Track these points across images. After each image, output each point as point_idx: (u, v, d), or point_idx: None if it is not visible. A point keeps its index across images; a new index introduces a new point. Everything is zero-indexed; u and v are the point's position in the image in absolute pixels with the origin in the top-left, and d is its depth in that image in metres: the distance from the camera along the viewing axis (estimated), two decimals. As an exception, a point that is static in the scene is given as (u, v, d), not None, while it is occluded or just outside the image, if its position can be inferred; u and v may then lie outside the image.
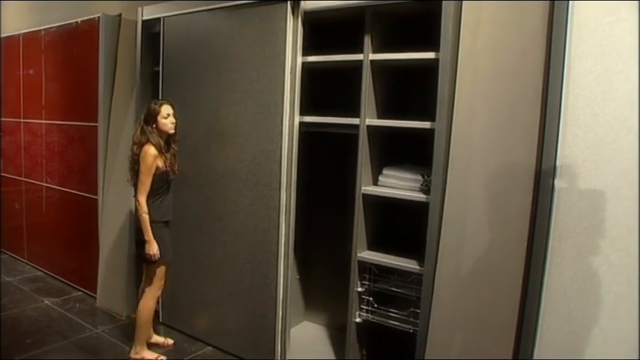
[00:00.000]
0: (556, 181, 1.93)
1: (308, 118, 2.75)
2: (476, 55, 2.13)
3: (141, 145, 2.72)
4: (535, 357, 1.98)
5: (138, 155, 2.72)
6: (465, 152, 2.16)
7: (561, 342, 1.94)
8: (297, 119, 2.70)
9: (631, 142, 1.79)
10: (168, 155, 2.81)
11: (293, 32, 2.63)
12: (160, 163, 2.73)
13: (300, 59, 2.66)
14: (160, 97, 3.13)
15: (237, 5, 2.80)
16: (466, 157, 2.16)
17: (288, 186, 2.73)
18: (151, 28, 3.41)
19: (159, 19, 3.22)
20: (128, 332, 3.29)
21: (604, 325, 1.85)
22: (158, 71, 3.47)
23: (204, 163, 3.06)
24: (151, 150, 2.70)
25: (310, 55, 2.70)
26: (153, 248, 2.74)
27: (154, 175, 2.72)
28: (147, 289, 2.89)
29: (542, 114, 1.95)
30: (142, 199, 2.71)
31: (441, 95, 2.19)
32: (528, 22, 2.00)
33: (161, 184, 2.77)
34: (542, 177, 1.95)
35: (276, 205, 2.74)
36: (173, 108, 2.81)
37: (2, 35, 4.70)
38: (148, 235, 2.73)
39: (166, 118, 2.76)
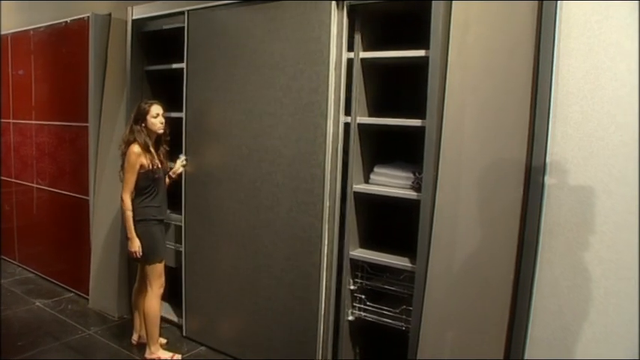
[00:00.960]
0: (546, 178, 1.95)
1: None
2: (466, 52, 2.14)
3: (128, 144, 2.77)
4: (526, 352, 2.00)
5: (125, 154, 2.77)
6: (456, 150, 2.17)
7: (552, 337, 1.96)
8: (342, 120, 2.54)
9: (619, 138, 1.81)
10: (156, 154, 2.84)
11: (338, 26, 2.46)
12: (145, 161, 2.76)
13: (345, 55, 2.51)
14: (185, 97, 3.06)
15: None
16: (457, 154, 2.17)
17: (333, 192, 2.55)
18: (141, 28, 3.40)
19: (182, 12, 3.04)
20: (120, 333, 3.29)
21: (594, 319, 1.87)
22: (149, 71, 3.47)
23: (236, 167, 2.87)
24: (134, 148, 2.74)
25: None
26: (134, 245, 2.77)
27: (139, 173, 2.75)
28: (148, 290, 2.89)
29: (532, 111, 1.96)
30: (125, 197, 2.76)
31: (432, 93, 2.19)
32: (517, 20, 2.01)
33: (147, 182, 2.78)
34: (533, 173, 1.97)
35: (319, 213, 2.54)
36: (163, 108, 2.86)
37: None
38: (130, 232, 2.77)
39: (155, 117, 2.81)
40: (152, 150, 2.82)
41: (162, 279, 2.92)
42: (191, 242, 3.15)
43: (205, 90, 2.98)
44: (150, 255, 2.82)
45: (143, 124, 2.79)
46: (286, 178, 2.65)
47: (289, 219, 2.66)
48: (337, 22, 2.45)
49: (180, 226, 3.22)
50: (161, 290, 2.93)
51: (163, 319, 3.36)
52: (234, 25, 2.81)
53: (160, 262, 2.88)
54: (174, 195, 3.21)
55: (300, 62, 2.55)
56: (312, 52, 2.51)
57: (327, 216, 2.54)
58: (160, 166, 2.84)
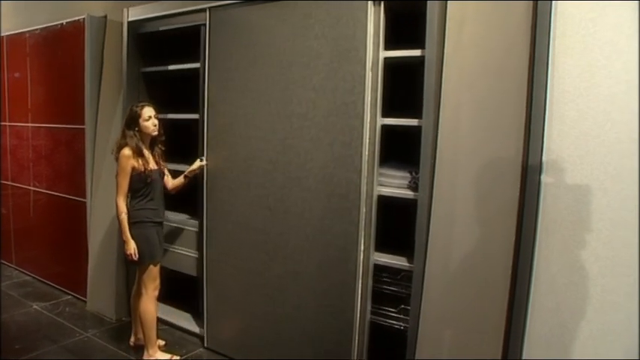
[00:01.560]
0: (542, 176, 1.95)
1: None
2: (461, 52, 2.14)
3: (120, 148, 2.76)
4: (524, 350, 2.00)
5: (117, 158, 2.77)
6: (452, 149, 2.18)
7: (550, 335, 1.96)
8: (379, 121, 2.42)
9: (615, 135, 1.81)
10: (151, 156, 2.84)
11: (375, 24, 2.34)
12: (137, 164, 2.75)
13: (382, 54, 2.39)
14: (205, 98, 2.97)
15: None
16: (453, 153, 2.17)
17: (369, 197, 2.43)
18: (137, 29, 3.40)
19: (204, 9, 2.93)
20: (119, 335, 3.28)
21: (591, 317, 1.88)
22: (145, 72, 3.47)
23: (263, 171, 2.75)
24: (125, 151, 2.74)
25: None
26: (129, 248, 2.77)
27: (132, 176, 2.75)
28: (143, 293, 2.89)
29: (528, 109, 1.97)
30: (119, 200, 2.77)
31: (428, 92, 2.20)
32: (513, 19, 2.02)
33: (141, 185, 2.78)
34: (529, 172, 1.97)
35: (355, 219, 2.42)
36: (155, 110, 2.84)
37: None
38: (125, 234, 2.77)
39: (148, 120, 2.80)
40: (145, 152, 2.82)
41: (158, 281, 2.92)
42: (213, 250, 3.05)
43: (227, 90, 2.87)
44: (144, 257, 2.81)
45: (136, 128, 2.78)
46: (319, 183, 2.53)
47: (322, 226, 2.54)
48: (374, 19, 2.34)
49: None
50: (156, 293, 2.92)
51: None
52: (258, 23, 2.71)
53: (155, 265, 2.88)
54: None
55: (333, 61, 2.44)
56: (346, 50, 2.39)
57: (363, 222, 2.42)
58: (153, 168, 2.83)
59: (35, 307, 3.77)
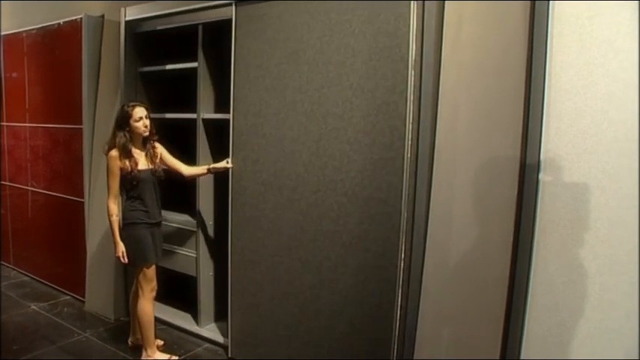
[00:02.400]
0: (540, 175, 1.95)
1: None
2: (459, 51, 2.14)
3: (109, 149, 2.75)
4: (523, 349, 2.00)
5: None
6: (450, 148, 2.18)
7: (548, 333, 1.96)
8: (423, 123, 2.26)
9: (612, 134, 1.81)
10: (141, 156, 2.81)
11: (418, 19, 2.20)
12: (124, 165, 2.72)
13: (426, 51, 2.23)
14: (232, 98, 2.84)
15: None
16: (451, 152, 2.17)
17: (411, 201, 2.27)
18: (134, 29, 3.39)
19: (229, 3, 2.80)
20: (117, 335, 3.28)
21: (589, 315, 1.88)
22: (143, 72, 3.47)
23: (295, 174, 2.62)
24: (112, 152, 2.72)
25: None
26: (117, 250, 2.77)
27: (121, 176, 2.74)
28: (140, 294, 2.88)
29: (526, 108, 1.97)
30: (109, 202, 2.76)
31: (425, 91, 2.19)
32: (510, 18, 2.02)
33: (131, 185, 2.77)
34: (527, 170, 1.97)
35: (396, 224, 2.28)
36: (147, 110, 2.81)
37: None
38: (114, 237, 2.77)
39: (138, 121, 2.76)
40: (135, 152, 2.78)
41: (154, 283, 2.90)
42: (239, 256, 2.93)
43: (256, 89, 2.75)
44: (137, 259, 2.80)
45: (127, 128, 2.75)
46: (357, 187, 2.40)
47: (360, 231, 2.41)
48: (417, 13, 2.19)
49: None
50: (153, 294, 2.91)
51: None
52: (289, 18, 2.58)
53: (149, 266, 2.86)
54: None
55: (372, 59, 2.31)
56: (387, 47, 2.26)
57: (404, 228, 2.27)
58: (144, 168, 2.79)
59: (33, 307, 3.76)
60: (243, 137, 2.84)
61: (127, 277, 3.55)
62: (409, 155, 2.25)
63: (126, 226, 2.79)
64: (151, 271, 2.88)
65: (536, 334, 1.99)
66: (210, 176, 3.18)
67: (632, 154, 1.78)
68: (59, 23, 3.77)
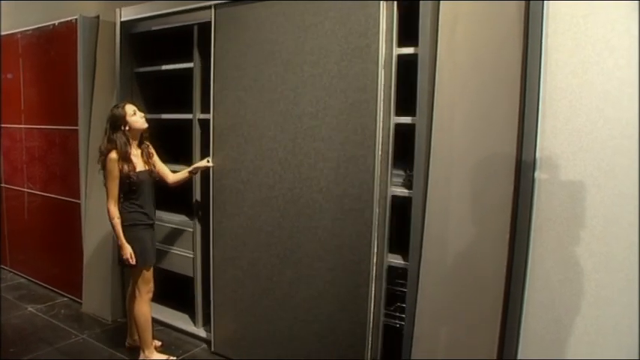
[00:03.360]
0: (536, 173, 1.96)
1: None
2: (454, 49, 2.15)
3: (107, 153, 2.71)
4: (520, 346, 2.01)
5: (104, 164, 2.72)
6: (446, 146, 2.18)
7: (545, 331, 1.97)
8: (393, 120, 2.36)
9: (608, 132, 1.82)
10: (139, 156, 2.80)
11: (387, 19, 2.27)
12: (124, 166, 2.70)
13: (396, 51, 2.32)
14: (212, 98, 2.90)
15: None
16: (447, 151, 2.18)
17: (383, 197, 2.37)
18: (129, 29, 3.39)
19: (209, 6, 2.87)
20: (114, 336, 3.28)
21: (585, 312, 1.89)
22: (139, 72, 3.46)
23: (271, 172, 2.69)
24: (112, 155, 2.69)
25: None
26: (125, 252, 2.74)
27: (121, 179, 2.71)
28: (137, 296, 2.88)
29: (521, 107, 1.97)
30: (110, 206, 2.73)
31: (421, 90, 2.20)
32: (505, 16, 2.02)
33: (130, 187, 2.75)
34: (523, 168, 1.98)
35: (369, 220, 2.36)
36: (135, 105, 2.81)
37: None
38: (120, 239, 2.74)
39: (134, 115, 2.76)
40: (134, 153, 2.77)
41: (151, 284, 2.90)
42: (220, 252, 2.99)
43: (235, 90, 2.81)
44: (140, 261, 2.79)
45: (125, 127, 2.73)
46: (331, 184, 2.47)
47: (334, 227, 2.48)
48: (387, 14, 2.26)
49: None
50: (150, 295, 2.91)
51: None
52: (265, 21, 2.64)
53: (148, 268, 2.86)
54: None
55: (344, 59, 2.38)
56: (358, 47, 2.33)
57: (376, 223, 2.36)
58: (142, 169, 2.79)
59: (30, 309, 3.75)
60: (223, 137, 2.90)
61: (124, 278, 3.54)
62: (380, 152, 2.32)
63: (127, 227, 2.76)
64: (149, 273, 2.88)
65: (533, 331, 2.00)
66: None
67: (627, 152, 1.79)
68: (54, 24, 3.76)
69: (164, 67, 3.29)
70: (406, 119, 2.33)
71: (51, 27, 3.79)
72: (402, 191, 2.40)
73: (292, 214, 2.63)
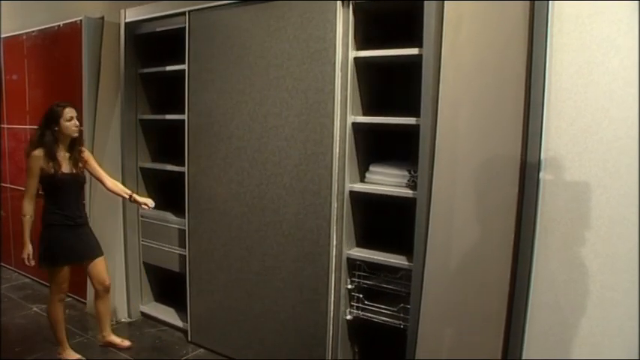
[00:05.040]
0: (541, 174, 1.95)
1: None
2: (459, 50, 2.14)
3: (33, 148, 2.69)
4: (525, 347, 2.00)
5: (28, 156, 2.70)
6: (451, 147, 2.17)
7: (550, 332, 1.96)
8: (349, 120, 2.50)
9: (613, 132, 1.81)
10: (69, 158, 2.78)
11: (344, 25, 2.41)
12: (46, 166, 2.68)
13: (351, 54, 2.46)
14: (187, 99, 3.03)
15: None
16: (451, 151, 2.17)
17: (340, 193, 2.52)
18: (134, 30, 3.39)
19: (181, 13, 3.02)
20: (118, 336, 3.27)
21: (590, 313, 1.88)
22: (143, 73, 3.47)
23: (240, 169, 2.84)
24: (35, 152, 2.67)
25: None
26: (24, 252, 2.73)
27: (41, 177, 2.69)
28: (49, 295, 2.89)
29: (526, 107, 1.97)
30: (24, 202, 2.74)
31: (426, 91, 2.20)
32: (510, 16, 2.02)
33: (51, 187, 2.73)
34: (528, 169, 1.97)
35: (327, 214, 2.51)
36: (77, 111, 2.80)
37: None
38: (23, 237, 2.73)
39: (69, 121, 2.74)
40: (60, 155, 2.74)
41: (65, 285, 2.87)
42: (195, 247, 3.13)
43: (208, 91, 2.95)
44: (49, 260, 2.76)
45: (56, 128, 2.71)
46: (293, 180, 2.62)
47: (297, 221, 2.63)
48: (343, 20, 2.41)
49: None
50: (61, 295, 2.90)
51: (165, 323, 3.41)
52: (235, 26, 2.78)
53: (61, 270, 2.81)
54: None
55: (305, 62, 2.52)
56: (316, 51, 2.48)
57: (334, 217, 2.50)
58: (67, 172, 2.75)
59: (35, 309, 3.76)
60: (197, 136, 3.04)
61: (129, 278, 3.56)
62: (338, 150, 2.47)
63: (45, 227, 2.75)
64: (63, 275, 2.83)
65: (537, 332, 1.99)
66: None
67: (632, 153, 1.78)
68: (59, 25, 3.77)
69: (168, 68, 3.30)
70: (410, 120, 2.33)
71: (56, 28, 3.81)
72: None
73: (259, 209, 2.78)
